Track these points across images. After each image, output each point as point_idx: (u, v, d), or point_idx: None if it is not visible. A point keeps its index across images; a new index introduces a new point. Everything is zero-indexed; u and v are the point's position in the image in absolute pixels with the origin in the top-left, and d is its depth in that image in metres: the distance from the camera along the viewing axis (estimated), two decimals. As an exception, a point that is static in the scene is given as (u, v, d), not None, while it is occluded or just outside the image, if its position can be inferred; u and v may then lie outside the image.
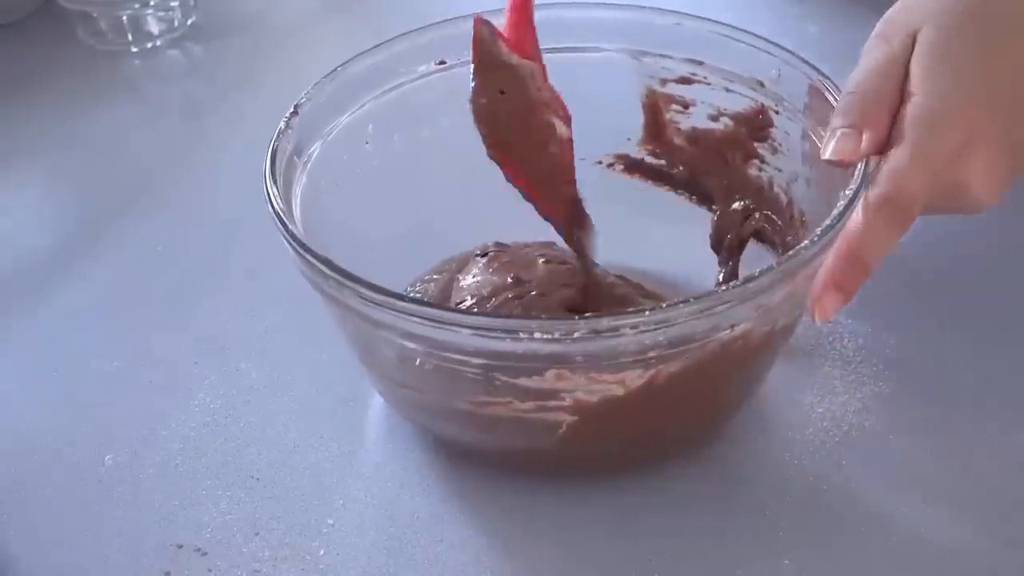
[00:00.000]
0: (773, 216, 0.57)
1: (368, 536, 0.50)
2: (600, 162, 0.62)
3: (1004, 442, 0.52)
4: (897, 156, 0.47)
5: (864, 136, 0.47)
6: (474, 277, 0.56)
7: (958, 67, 0.48)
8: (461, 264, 0.58)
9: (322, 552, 0.49)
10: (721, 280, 0.58)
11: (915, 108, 0.47)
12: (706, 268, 0.59)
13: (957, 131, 0.47)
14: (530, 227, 0.56)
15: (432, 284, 0.58)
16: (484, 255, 0.58)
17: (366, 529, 0.50)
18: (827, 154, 0.47)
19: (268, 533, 0.50)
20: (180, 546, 0.50)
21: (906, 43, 0.49)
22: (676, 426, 0.51)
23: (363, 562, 0.49)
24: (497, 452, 0.52)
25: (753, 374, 0.51)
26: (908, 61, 0.49)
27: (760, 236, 0.57)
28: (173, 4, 0.89)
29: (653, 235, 0.61)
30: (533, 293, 0.54)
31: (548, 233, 0.56)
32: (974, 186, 0.48)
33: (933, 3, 0.49)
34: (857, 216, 0.46)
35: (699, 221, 0.60)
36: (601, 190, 0.60)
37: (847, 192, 0.45)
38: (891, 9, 0.52)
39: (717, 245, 0.59)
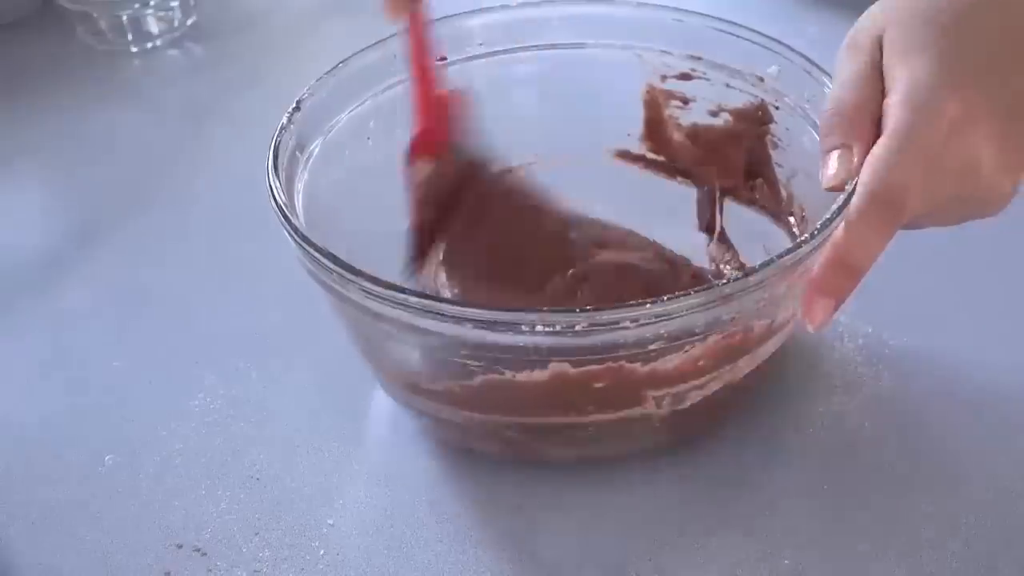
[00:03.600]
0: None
1: (368, 536, 0.50)
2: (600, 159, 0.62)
3: (1004, 441, 0.52)
4: (880, 146, 0.43)
5: (855, 150, 0.44)
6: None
7: (932, 52, 0.44)
8: None
9: (322, 552, 0.49)
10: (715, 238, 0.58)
11: (896, 98, 0.44)
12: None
13: (948, 108, 0.43)
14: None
15: None
16: None
17: (366, 529, 0.50)
18: (825, 184, 0.45)
19: (268, 533, 0.50)
20: (180, 546, 0.50)
21: (874, 49, 0.46)
22: (676, 422, 0.51)
23: (363, 562, 0.49)
24: (498, 444, 0.52)
25: (753, 370, 0.51)
26: (880, 66, 0.46)
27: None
28: (173, 4, 0.88)
29: (655, 232, 0.61)
30: None
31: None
32: (985, 163, 0.43)
33: (894, 6, 0.47)
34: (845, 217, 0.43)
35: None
36: (603, 188, 0.60)
37: (848, 187, 0.45)
38: (857, 21, 0.49)
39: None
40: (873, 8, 0.47)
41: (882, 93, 0.45)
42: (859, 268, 0.43)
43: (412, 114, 0.53)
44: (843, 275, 0.43)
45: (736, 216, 0.59)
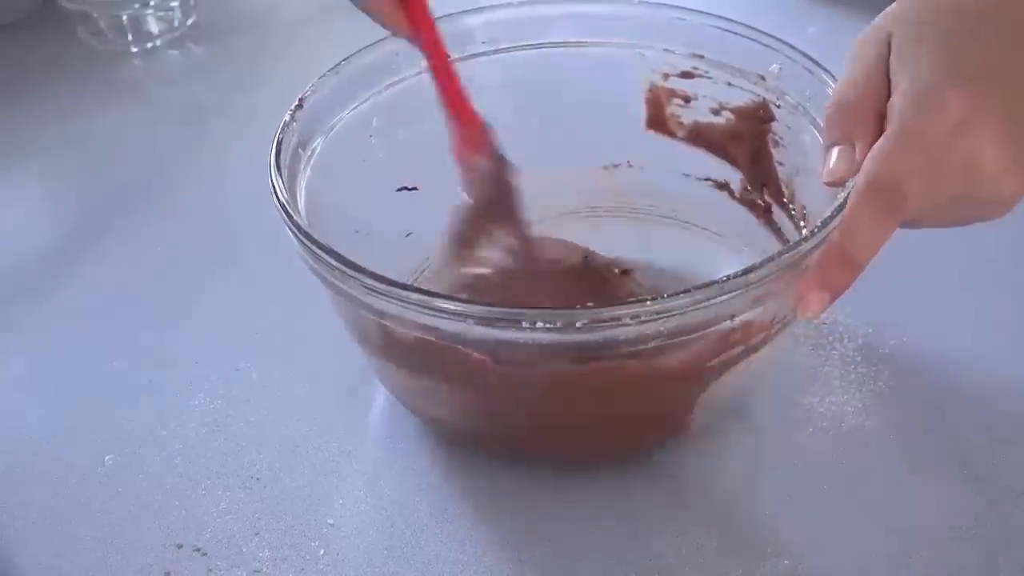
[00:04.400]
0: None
1: (368, 536, 0.50)
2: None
3: (1005, 441, 0.52)
4: (882, 140, 0.43)
5: (856, 147, 0.45)
6: None
7: (939, 52, 0.45)
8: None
9: (322, 552, 0.49)
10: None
11: (900, 94, 0.44)
12: (712, 266, 0.59)
13: (951, 104, 0.43)
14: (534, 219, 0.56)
15: None
16: None
17: (366, 529, 0.50)
18: (826, 177, 0.45)
19: (268, 533, 0.50)
20: (180, 546, 0.50)
21: (882, 49, 0.46)
22: (675, 421, 0.51)
23: (363, 562, 0.49)
24: (498, 443, 0.52)
25: (753, 368, 0.51)
26: (887, 64, 0.46)
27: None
28: (173, 4, 0.89)
29: (657, 234, 0.61)
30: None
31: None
32: (989, 164, 0.43)
33: (902, 10, 0.47)
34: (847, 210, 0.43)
35: (706, 220, 0.60)
36: (604, 189, 0.60)
37: (849, 183, 0.45)
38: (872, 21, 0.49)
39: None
40: (887, 8, 0.48)
41: (887, 91, 0.45)
42: (858, 260, 0.43)
43: (449, 113, 0.53)
44: (842, 267, 0.43)
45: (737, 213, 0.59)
